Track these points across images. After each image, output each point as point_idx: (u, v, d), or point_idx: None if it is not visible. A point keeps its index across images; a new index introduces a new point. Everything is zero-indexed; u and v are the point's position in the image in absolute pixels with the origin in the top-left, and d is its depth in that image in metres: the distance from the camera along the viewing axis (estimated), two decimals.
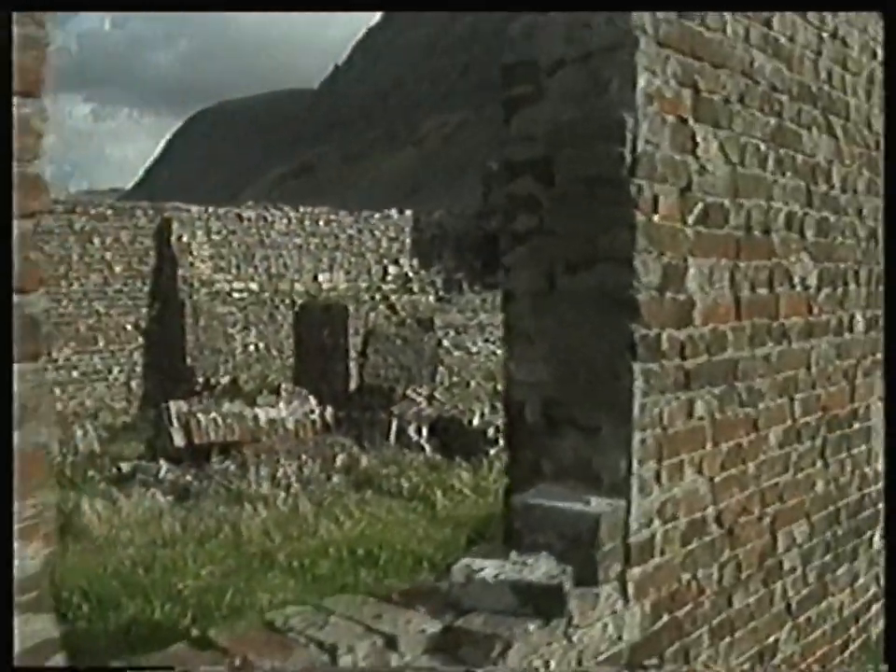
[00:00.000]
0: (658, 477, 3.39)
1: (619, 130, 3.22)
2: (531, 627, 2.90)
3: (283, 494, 9.33)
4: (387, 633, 2.79)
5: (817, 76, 4.40)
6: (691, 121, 3.48)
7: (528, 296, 3.48)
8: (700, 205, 3.54)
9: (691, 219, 3.49)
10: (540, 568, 3.06)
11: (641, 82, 3.24)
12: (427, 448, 10.77)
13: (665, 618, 3.51)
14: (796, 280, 4.23)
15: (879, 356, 5.15)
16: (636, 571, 3.32)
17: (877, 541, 5.30)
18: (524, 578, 3.00)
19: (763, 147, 3.93)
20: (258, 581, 7.63)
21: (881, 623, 5.44)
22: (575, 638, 3.04)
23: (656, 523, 3.41)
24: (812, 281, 4.37)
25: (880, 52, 5.07)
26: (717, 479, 3.73)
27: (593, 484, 3.33)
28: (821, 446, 4.56)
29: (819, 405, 4.50)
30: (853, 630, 5.08)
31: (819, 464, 4.55)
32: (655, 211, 3.30)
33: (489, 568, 3.05)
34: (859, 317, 4.88)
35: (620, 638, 3.27)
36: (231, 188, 76.83)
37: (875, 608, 5.33)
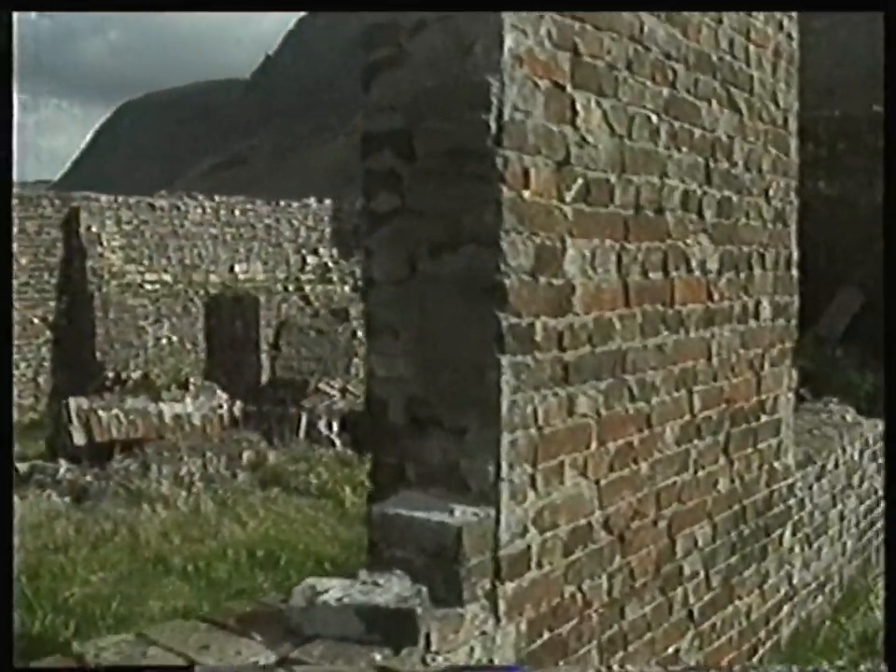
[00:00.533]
0: (533, 482, 3.06)
1: (483, 95, 2.87)
2: (377, 657, 2.55)
3: (184, 493, 8.89)
4: (210, 666, 2.43)
5: (717, 45, 4.09)
6: (569, 88, 3.15)
7: (389, 283, 3.12)
8: (580, 181, 3.20)
9: (569, 196, 3.15)
10: (392, 589, 2.71)
11: (509, 42, 2.90)
12: (338, 443, 10.38)
13: (546, 636, 3.18)
14: (694, 264, 3.92)
15: (788, 344, 4.88)
16: (508, 587, 2.98)
17: (788, 539, 5.03)
18: (371, 601, 2.65)
19: (654, 118, 3.61)
20: (151, 587, 7.21)
21: (793, 623, 5.20)
22: (435, 665, 2.70)
23: (532, 532, 3.07)
24: (712, 265, 4.07)
25: (787, 24, 4.79)
26: (604, 481, 3.41)
27: (460, 491, 2.98)
28: (724, 441, 4.26)
29: (721, 398, 4.21)
30: (762, 633, 4.81)
31: (722, 460, 4.26)
32: (526, 186, 2.95)
33: (334, 590, 2.70)
34: (765, 304, 4.59)
35: (491, 661, 2.93)
36: (162, 179, 75.55)
37: (786, 608, 5.08)
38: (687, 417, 3.92)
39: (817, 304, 14.28)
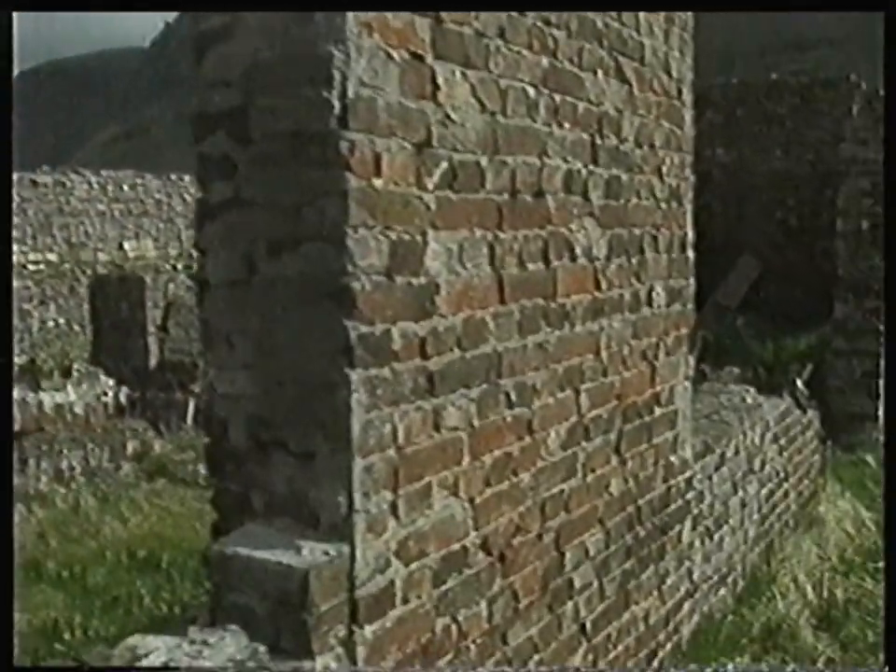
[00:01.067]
0: (395, 509, 2.69)
1: (324, 69, 2.47)
2: None
3: (63, 490, 8.38)
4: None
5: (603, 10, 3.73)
6: (429, 59, 2.76)
7: (225, 286, 2.72)
8: (444, 165, 2.82)
9: (431, 183, 2.77)
10: (224, 650, 2.32)
11: None
12: None
13: None
14: (579, 251, 3.58)
15: (685, 330, 4.58)
16: (368, 630, 2.61)
17: (687, 534, 4.76)
18: (198, 665, 2.26)
19: (532, 92, 3.25)
20: (20, 596, 6.70)
21: (695, 620, 4.95)
22: None
23: (395, 566, 2.71)
24: (600, 251, 3.73)
25: None
26: (479, 499, 3.06)
27: (310, 525, 2.61)
28: (616, 440, 3.95)
29: (612, 394, 3.89)
30: (662, 636, 4.54)
31: (615, 461, 3.95)
32: (378, 173, 2.56)
33: (158, 652, 2.30)
34: (659, 289, 4.28)
35: None
36: (59, 151, 73.48)
37: (686, 605, 4.82)
38: (574, 419, 3.59)
39: (716, 273, 14.18)
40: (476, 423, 3.01)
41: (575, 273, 3.54)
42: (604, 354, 3.77)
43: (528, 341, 3.25)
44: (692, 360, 4.67)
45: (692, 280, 4.64)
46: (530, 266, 3.25)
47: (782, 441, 6.39)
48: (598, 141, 3.69)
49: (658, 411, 4.32)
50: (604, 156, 3.74)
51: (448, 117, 2.83)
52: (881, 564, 6.63)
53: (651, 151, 4.18)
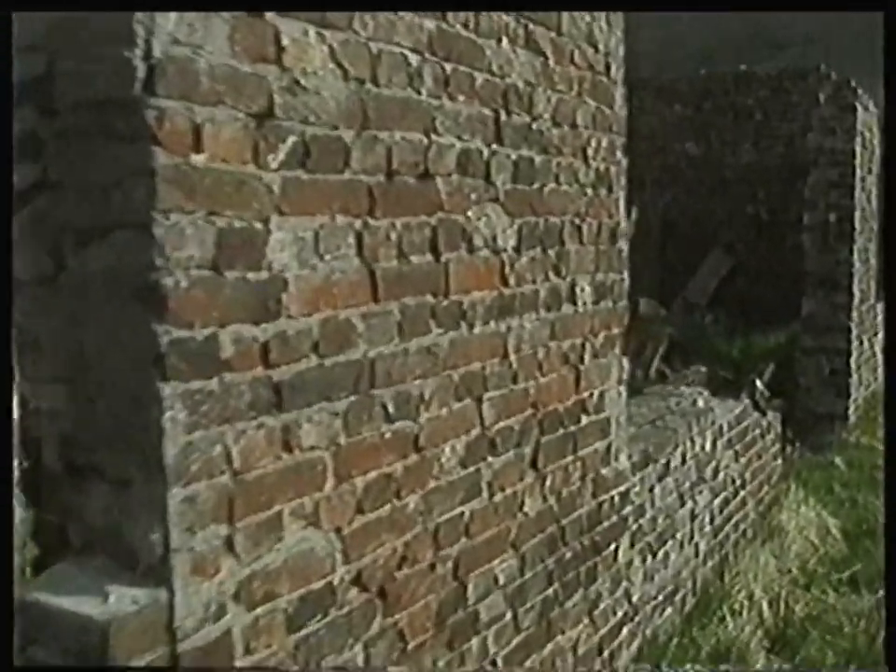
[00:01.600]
0: (231, 546, 2.27)
1: (125, 23, 2.05)
2: None
3: None
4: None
5: None
6: (270, 14, 2.34)
7: (34, 283, 2.29)
8: (293, 140, 2.40)
9: (275, 161, 2.35)
10: None
11: None
12: None
13: None
14: (479, 241, 3.17)
15: (617, 329, 4.18)
16: None
17: (625, 553, 4.36)
18: None
19: (413, 59, 2.83)
20: None
21: (636, 644, 4.55)
22: None
23: (234, 612, 2.29)
24: (507, 241, 3.32)
25: None
26: (349, 528, 2.64)
27: (127, 565, 2.19)
28: (533, 454, 3.54)
29: (525, 403, 3.48)
30: (597, 664, 4.14)
31: (531, 477, 3.54)
32: (197, 148, 2.14)
33: None
34: (584, 285, 3.88)
35: None
36: None
37: (625, 630, 4.42)
38: (476, 432, 3.18)
39: (685, 269, 13.80)
40: (342, 441, 2.59)
41: (474, 267, 3.13)
42: (513, 357, 3.37)
43: (412, 344, 2.84)
44: (625, 362, 4.26)
45: (625, 274, 4.24)
46: (414, 258, 2.84)
47: (738, 447, 6.00)
48: (503, 117, 3.28)
49: (585, 419, 3.92)
50: (511, 134, 3.33)
51: (298, 83, 2.41)
52: (846, 574, 6.26)
53: (573, 131, 3.77)
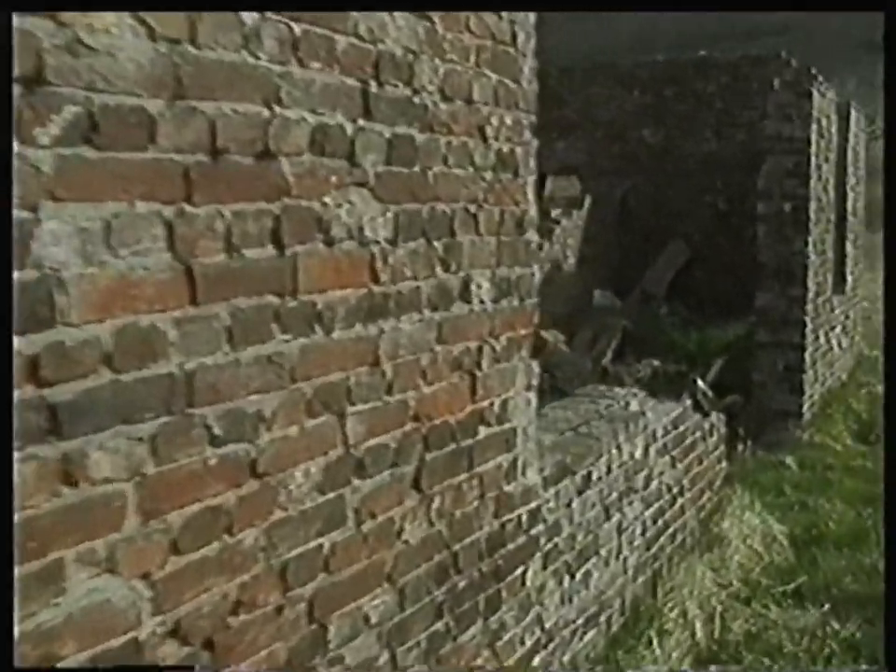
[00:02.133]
0: None
1: None
2: None
3: None
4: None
5: None
6: None
7: None
8: (74, 110, 1.95)
9: (46, 136, 1.90)
10: None
11: None
12: None
13: None
14: (340, 232, 2.73)
15: (524, 330, 3.76)
16: None
17: (535, 576, 3.95)
18: None
19: (248, 18, 2.38)
20: None
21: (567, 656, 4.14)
22: None
23: None
24: (378, 232, 2.89)
25: None
26: (162, 573, 2.20)
27: None
28: (415, 473, 3.12)
29: (405, 415, 3.05)
30: None
31: (413, 500, 3.11)
32: None
33: None
34: (482, 280, 3.45)
35: None
36: None
37: (537, 659, 4.01)
38: (337, 452, 2.75)
39: (643, 260, 13.43)
40: (150, 470, 2.15)
41: (333, 261, 2.69)
42: (387, 365, 2.93)
43: (246, 354, 2.39)
44: (535, 366, 3.84)
45: (534, 268, 3.81)
46: (248, 252, 2.40)
47: (675, 452, 5.60)
48: (374, 88, 2.84)
49: (485, 431, 3.50)
50: (384, 109, 2.89)
51: (80, 42, 1.96)
52: (792, 586, 5.89)
53: (469, 107, 3.34)
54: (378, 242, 2.87)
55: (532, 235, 3.77)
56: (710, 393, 6.39)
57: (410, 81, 3.01)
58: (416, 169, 3.05)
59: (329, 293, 2.67)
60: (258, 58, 2.41)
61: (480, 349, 3.44)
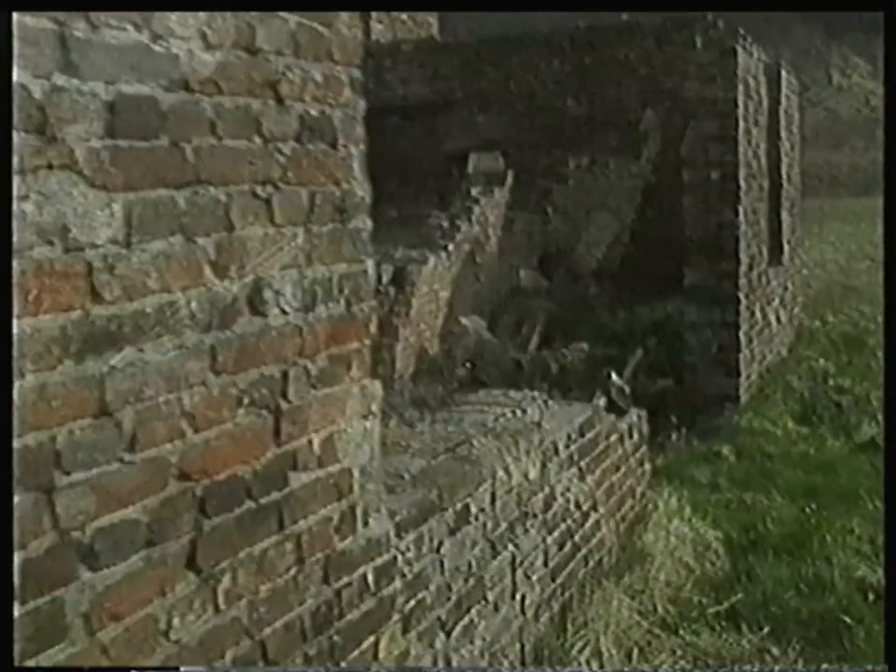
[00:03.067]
0: None
1: None
2: None
3: None
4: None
5: None
6: None
7: None
8: None
9: None
10: None
11: None
12: None
13: None
14: (29, 236, 1.92)
15: (356, 343, 2.97)
16: None
17: (392, 644, 3.18)
18: None
19: None
20: None
21: None
22: None
23: None
24: (98, 232, 2.08)
25: None
26: None
27: None
28: (189, 550, 2.32)
29: (166, 475, 2.26)
30: None
31: (187, 585, 2.32)
32: None
33: None
34: (282, 286, 2.65)
35: None
36: None
37: None
38: (44, 541, 1.94)
39: (570, 236, 12.73)
40: None
41: (22, 281, 1.88)
42: (123, 412, 2.13)
43: None
44: (377, 387, 3.06)
45: (367, 264, 3.02)
46: None
47: (584, 463, 4.85)
48: (79, 32, 2.03)
49: (298, 479, 2.71)
50: (99, 60, 2.07)
51: None
52: (726, 605, 5.19)
53: (251, 58, 2.53)
54: (98, 246, 2.06)
55: (362, 222, 2.98)
56: (627, 388, 5.65)
57: (147, 23, 2.19)
58: (162, 142, 2.24)
59: (19, 322, 1.86)
60: None
61: (285, 375, 2.64)
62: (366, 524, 3.02)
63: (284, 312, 2.64)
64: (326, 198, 2.82)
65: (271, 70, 2.61)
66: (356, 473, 2.96)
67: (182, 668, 2.23)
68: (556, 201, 13.27)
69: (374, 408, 3.05)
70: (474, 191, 11.94)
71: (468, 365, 10.03)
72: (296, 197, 2.70)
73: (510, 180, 12.43)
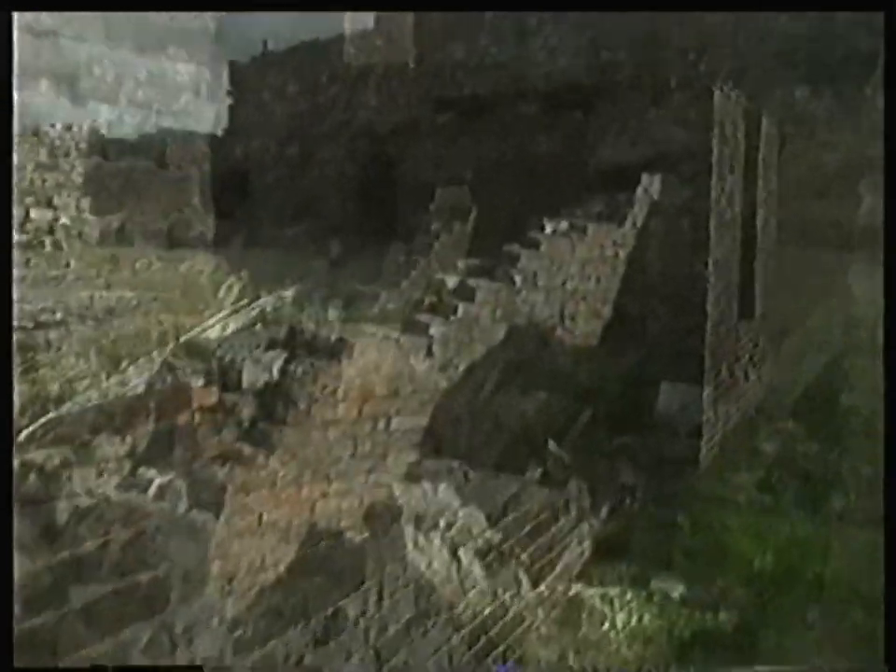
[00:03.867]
0: None
1: None
2: None
3: None
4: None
5: None
6: None
7: None
8: None
9: None
10: None
11: None
12: None
13: None
14: None
15: None
16: None
17: None
18: None
19: None
20: None
21: None
22: None
23: None
24: None
25: None
26: None
27: None
28: None
29: None
30: None
31: None
32: None
33: None
34: None
35: None
36: None
37: None
38: None
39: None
40: None
41: None
42: None
43: None
44: None
45: None
46: None
47: (506, 546, 4.21)
48: None
49: None
50: None
51: None
52: None
53: None
54: None
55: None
56: (566, 457, 5.04)
57: None
58: None
59: None
60: None
61: None
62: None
63: None
64: None
65: None
66: None
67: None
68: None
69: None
70: (434, 226, 11.34)
71: None
72: None
73: (473, 215, 11.82)
